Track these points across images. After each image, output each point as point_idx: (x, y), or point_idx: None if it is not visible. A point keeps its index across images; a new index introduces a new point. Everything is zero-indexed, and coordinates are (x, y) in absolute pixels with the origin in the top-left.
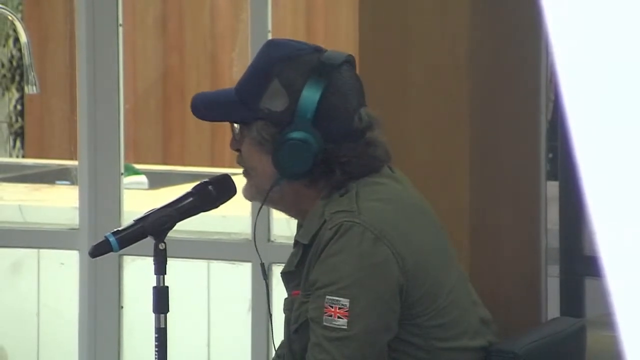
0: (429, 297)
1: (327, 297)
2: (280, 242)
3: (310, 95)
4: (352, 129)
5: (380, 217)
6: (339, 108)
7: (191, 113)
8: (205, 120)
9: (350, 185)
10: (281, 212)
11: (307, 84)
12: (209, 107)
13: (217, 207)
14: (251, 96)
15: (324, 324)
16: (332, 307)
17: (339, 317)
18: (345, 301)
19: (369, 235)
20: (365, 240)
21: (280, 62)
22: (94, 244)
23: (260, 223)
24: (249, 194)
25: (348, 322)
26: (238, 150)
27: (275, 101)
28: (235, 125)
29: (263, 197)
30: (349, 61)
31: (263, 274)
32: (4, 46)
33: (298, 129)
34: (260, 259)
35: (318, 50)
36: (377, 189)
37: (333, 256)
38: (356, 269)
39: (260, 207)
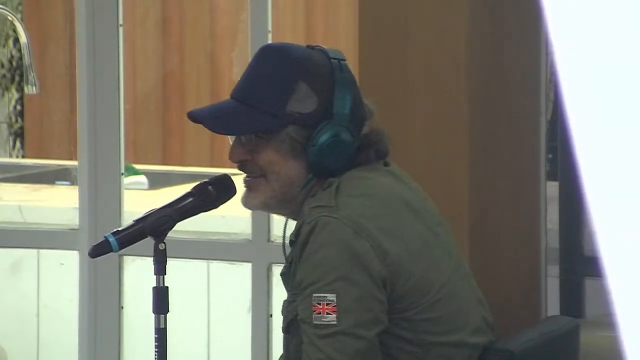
0: (417, 290)
1: (314, 295)
2: (280, 243)
3: (344, 92)
4: (365, 120)
5: (359, 212)
6: (358, 101)
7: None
8: (225, 133)
9: (332, 180)
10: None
11: (336, 81)
12: (224, 121)
13: (216, 207)
14: (276, 103)
15: (315, 322)
16: (319, 304)
17: (327, 313)
18: (331, 296)
19: (348, 230)
20: (344, 235)
21: (299, 64)
22: (94, 244)
23: (261, 223)
24: (258, 200)
25: (337, 317)
26: (241, 160)
27: (303, 103)
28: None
29: (279, 201)
30: None
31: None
32: (4, 46)
33: (337, 126)
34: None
35: (312, 48)
36: (362, 183)
37: (314, 253)
38: (338, 264)
39: (286, 220)
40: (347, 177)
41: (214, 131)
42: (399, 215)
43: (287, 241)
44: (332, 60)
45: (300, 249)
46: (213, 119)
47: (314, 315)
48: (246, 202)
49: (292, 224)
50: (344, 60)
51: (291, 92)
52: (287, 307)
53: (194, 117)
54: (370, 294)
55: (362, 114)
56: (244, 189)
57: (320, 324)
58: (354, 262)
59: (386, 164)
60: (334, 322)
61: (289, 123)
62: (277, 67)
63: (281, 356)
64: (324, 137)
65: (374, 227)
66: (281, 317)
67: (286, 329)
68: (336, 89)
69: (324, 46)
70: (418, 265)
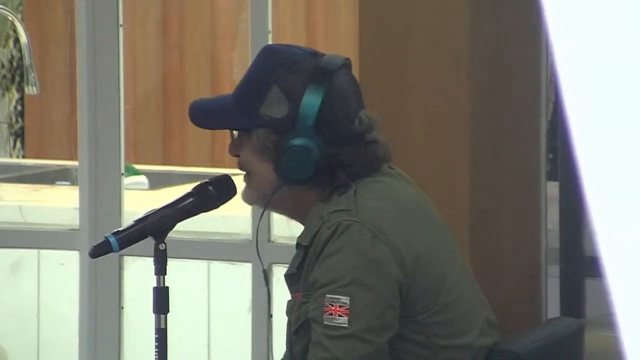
0: (430, 293)
1: (327, 295)
2: (281, 243)
3: (311, 102)
4: (353, 133)
5: (378, 215)
6: (339, 113)
7: None
8: (204, 128)
9: (349, 185)
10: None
11: (308, 90)
12: (207, 115)
13: (217, 207)
14: (250, 103)
15: (325, 322)
16: (332, 305)
17: (339, 316)
18: (345, 299)
19: (367, 233)
20: (363, 239)
21: (278, 68)
22: (94, 244)
23: (261, 223)
24: (248, 198)
25: (348, 320)
26: (237, 155)
27: (275, 108)
28: (234, 131)
29: (263, 201)
30: (347, 64)
31: (265, 280)
32: (4, 47)
33: (299, 136)
34: (262, 265)
35: (315, 54)
36: (376, 187)
37: (332, 255)
38: (355, 267)
39: (263, 212)
40: (362, 182)
41: (191, 120)
42: (413, 218)
43: (286, 243)
44: (319, 68)
45: (319, 251)
46: (199, 111)
47: (325, 316)
48: (242, 196)
49: (290, 226)
50: (333, 69)
51: (265, 95)
52: (299, 308)
53: (190, 106)
54: (384, 300)
55: (344, 127)
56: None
57: (331, 325)
58: (371, 267)
59: (391, 167)
60: (345, 325)
61: (259, 125)
62: (259, 69)
63: (284, 356)
64: (285, 145)
65: (392, 230)
66: (282, 318)
67: (296, 331)
68: (304, 98)
69: (330, 54)
70: (432, 268)
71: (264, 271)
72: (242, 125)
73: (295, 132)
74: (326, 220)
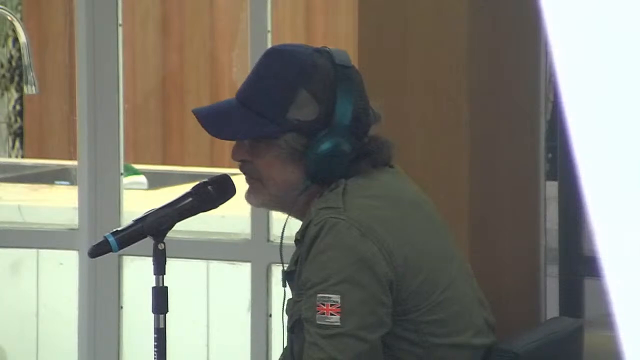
0: (423, 292)
1: (318, 295)
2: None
3: (345, 102)
4: (370, 124)
5: (366, 213)
6: (362, 107)
7: (191, 113)
8: (226, 139)
9: (340, 181)
10: (280, 213)
11: (339, 90)
12: (224, 125)
13: (216, 207)
14: (276, 109)
15: (318, 322)
16: (323, 304)
17: (331, 314)
18: (336, 298)
19: (355, 231)
20: (351, 237)
21: (301, 71)
22: (94, 244)
23: (260, 223)
24: (258, 201)
25: (341, 319)
26: (242, 160)
27: (304, 111)
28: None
29: (281, 203)
30: None
31: (283, 282)
32: (3, 46)
33: (335, 135)
34: (283, 265)
35: (319, 51)
36: (369, 185)
37: (321, 254)
38: (344, 266)
39: (287, 218)
40: (354, 179)
41: (213, 135)
42: (406, 216)
43: (286, 242)
44: (338, 66)
45: (307, 249)
46: (214, 122)
47: (317, 315)
48: (248, 199)
49: (289, 225)
50: (350, 65)
51: (292, 99)
52: (293, 306)
53: (198, 117)
54: (375, 297)
55: (366, 121)
56: (247, 185)
57: (324, 324)
58: (360, 264)
59: (391, 166)
60: (337, 324)
61: (288, 130)
62: (279, 73)
63: (283, 353)
64: (322, 147)
65: (381, 229)
66: (283, 317)
67: (291, 329)
68: (338, 99)
69: (331, 48)
70: (424, 266)
71: (284, 272)
72: (269, 132)
73: (331, 132)
74: (314, 217)
